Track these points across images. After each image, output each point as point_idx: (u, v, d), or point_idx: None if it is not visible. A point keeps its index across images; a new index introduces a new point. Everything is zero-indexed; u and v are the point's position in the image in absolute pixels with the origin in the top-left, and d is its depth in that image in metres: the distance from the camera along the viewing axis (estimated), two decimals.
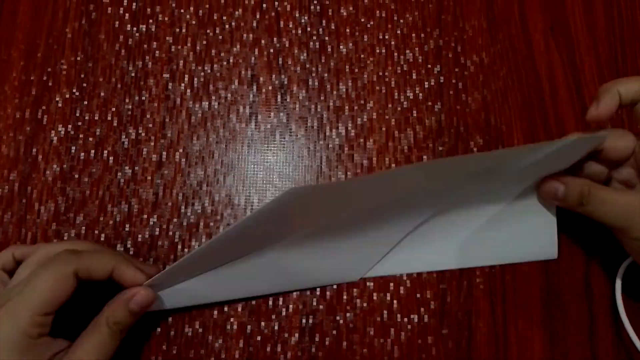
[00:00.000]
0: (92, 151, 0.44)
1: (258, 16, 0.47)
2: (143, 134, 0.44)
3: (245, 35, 0.47)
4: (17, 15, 0.47)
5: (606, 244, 0.43)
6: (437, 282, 0.42)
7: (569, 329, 0.41)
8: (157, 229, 0.42)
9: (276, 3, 0.47)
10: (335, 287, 0.42)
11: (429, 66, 0.46)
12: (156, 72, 0.46)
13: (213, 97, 0.45)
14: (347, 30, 0.47)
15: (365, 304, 0.41)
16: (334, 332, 0.41)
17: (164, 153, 0.44)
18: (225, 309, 0.41)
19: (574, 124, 0.45)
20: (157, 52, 0.46)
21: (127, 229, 0.42)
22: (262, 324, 0.41)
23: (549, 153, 0.35)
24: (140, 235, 0.42)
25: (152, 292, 0.36)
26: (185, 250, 0.42)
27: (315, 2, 0.47)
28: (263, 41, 0.47)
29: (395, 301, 0.41)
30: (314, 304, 0.41)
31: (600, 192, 0.35)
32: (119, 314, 0.35)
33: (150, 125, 0.45)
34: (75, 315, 0.35)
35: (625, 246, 0.37)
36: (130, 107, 0.45)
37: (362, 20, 0.47)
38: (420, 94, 0.46)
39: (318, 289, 0.41)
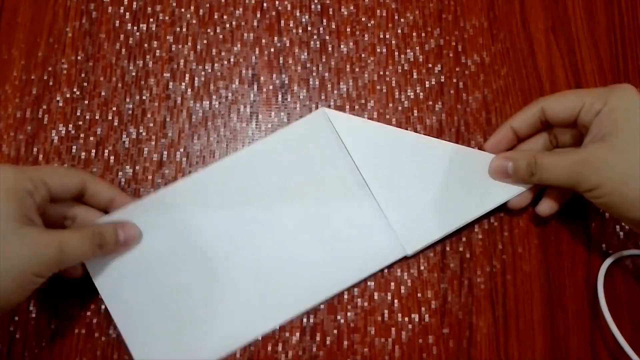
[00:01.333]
0: (93, 151, 0.44)
1: (259, 15, 0.47)
2: (144, 134, 0.44)
3: (246, 34, 0.47)
4: (17, 14, 0.47)
5: (607, 243, 0.43)
6: (438, 281, 0.42)
7: (569, 328, 0.41)
8: None
9: (277, 2, 0.47)
10: None
11: (430, 65, 0.46)
12: (157, 72, 0.46)
13: (214, 97, 0.45)
14: (348, 29, 0.47)
15: (366, 304, 0.41)
16: (335, 331, 0.41)
17: (165, 152, 0.44)
18: None
19: None
20: (157, 51, 0.46)
21: None
22: None
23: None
24: None
25: (139, 230, 0.39)
26: None
27: (316, 1, 0.47)
28: (264, 40, 0.47)
29: (396, 300, 0.41)
30: None
31: (545, 158, 0.38)
32: (106, 230, 0.37)
33: (151, 125, 0.45)
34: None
35: (593, 203, 0.38)
36: (131, 106, 0.45)
37: (363, 19, 0.47)
38: (421, 93, 0.46)
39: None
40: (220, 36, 0.47)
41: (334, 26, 0.47)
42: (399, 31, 0.47)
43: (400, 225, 0.41)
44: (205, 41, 0.47)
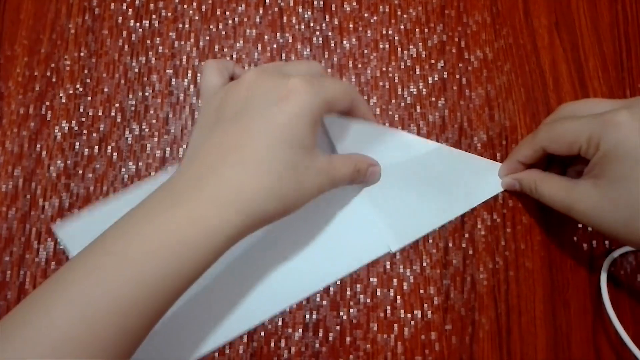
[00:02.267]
0: (96, 147, 0.44)
1: (261, 11, 0.47)
2: (147, 130, 0.44)
3: (248, 30, 0.47)
4: (20, 11, 0.47)
5: (609, 240, 0.43)
6: (441, 277, 0.42)
7: (572, 324, 0.41)
8: None
9: None
10: (338, 282, 0.42)
11: (433, 61, 0.46)
12: (159, 68, 0.46)
13: None
14: (351, 25, 0.47)
15: (368, 300, 0.41)
16: (338, 327, 0.41)
17: (168, 149, 0.44)
18: None
19: None
20: (160, 47, 0.46)
21: None
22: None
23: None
24: None
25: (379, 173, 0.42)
26: None
27: None
28: (266, 36, 0.47)
29: (398, 297, 0.42)
30: (318, 299, 0.41)
31: (544, 186, 0.40)
32: (362, 166, 0.40)
33: (154, 121, 0.45)
34: None
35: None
36: (133, 102, 0.45)
37: (366, 15, 0.47)
38: (424, 90, 0.46)
39: None
40: (223, 32, 0.47)
41: (336, 22, 0.47)
42: (402, 27, 0.47)
43: (386, 222, 0.41)
44: (207, 37, 0.46)
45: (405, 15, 0.47)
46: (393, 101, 0.45)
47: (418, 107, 0.45)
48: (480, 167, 0.43)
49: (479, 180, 0.43)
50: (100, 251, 0.30)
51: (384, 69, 0.46)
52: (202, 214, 0.31)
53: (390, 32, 0.47)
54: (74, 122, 0.44)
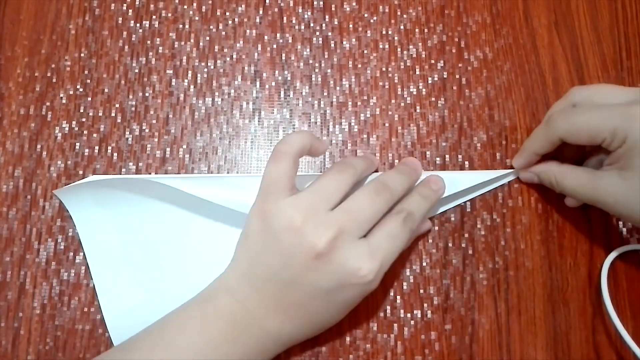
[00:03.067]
0: (97, 147, 0.44)
1: (261, 12, 0.47)
2: (147, 130, 0.44)
3: (248, 31, 0.47)
4: (20, 11, 0.47)
5: (610, 238, 0.43)
6: (440, 277, 0.42)
7: (572, 324, 0.41)
8: None
9: None
10: None
11: (433, 61, 0.46)
12: (160, 69, 0.46)
13: (216, 93, 0.45)
14: (350, 25, 0.47)
15: (368, 299, 0.41)
16: (337, 327, 0.41)
17: (168, 149, 0.44)
18: None
19: None
20: (160, 48, 0.46)
21: None
22: None
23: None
24: None
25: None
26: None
27: None
28: (266, 37, 0.47)
29: (398, 297, 0.42)
30: None
31: (565, 178, 0.40)
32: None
33: (154, 122, 0.45)
34: None
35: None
36: (133, 103, 0.45)
37: (365, 15, 0.47)
38: (424, 90, 0.46)
39: None
40: (223, 33, 0.47)
41: (336, 22, 0.47)
42: (402, 27, 0.47)
43: None
44: (207, 38, 0.47)
45: (405, 16, 0.47)
46: (393, 101, 0.45)
47: (418, 107, 0.45)
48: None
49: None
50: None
51: (383, 69, 0.46)
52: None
53: (390, 32, 0.47)
54: (74, 122, 0.45)
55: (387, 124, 0.45)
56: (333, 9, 0.47)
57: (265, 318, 0.35)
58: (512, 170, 0.43)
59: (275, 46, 0.47)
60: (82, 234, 0.42)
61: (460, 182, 0.42)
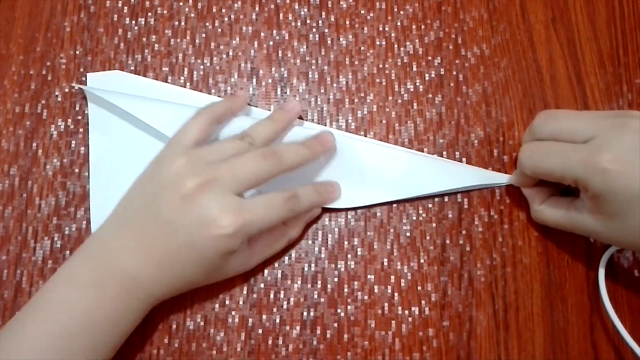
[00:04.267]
0: None
1: (257, 8, 0.47)
2: None
3: (244, 27, 0.47)
4: (15, 9, 0.46)
5: None
6: (438, 274, 0.42)
7: (569, 320, 0.41)
8: None
9: None
10: (336, 280, 0.42)
11: (430, 58, 0.46)
12: (155, 66, 0.46)
13: (213, 91, 0.45)
14: (347, 22, 0.47)
15: (366, 297, 0.41)
16: (335, 324, 0.41)
17: None
18: (227, 302, 0.41)
19: None
20: (156, 45, 0.46)
21: None
22: (264, 317, 0.41)
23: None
24: None
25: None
26: None
27: None
28: (262, 34, 0.47)
29: (396, 294, 0.42)
30: (315, 296, 0.41)
31: (546, 211, 0.41)
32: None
33: None
34: None
35: None
36: None
37: (362, 12, 0.47)
38: (421, 86, 0.46)
39: (319, 282, 0.42)
40: (219, 30, 0.47)
41: (332, 19, 0.47)
42: (399, 24, 0.47)
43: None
44: (203, 35, 0.46)
45: (401, 12, 0.47)
46: (390, 98, 0.45)
47: (415, 104, 0.45)
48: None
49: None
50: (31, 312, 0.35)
51: (380, 65, 0.46)
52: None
53: (387, 29, 0.47)
54: (69, 120, 0.44)
55: (384, 121, 0.45)
56: (329, 5, 0.47)
57: (126, 258, 0.35)
58: (507, 175, 0.43)
59: (271, 43, 0.46)
60: (92, 131, 0.44)
61: (452, 181, 0.42)
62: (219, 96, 0.45)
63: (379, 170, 0.42)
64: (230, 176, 0.36)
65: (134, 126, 0.43)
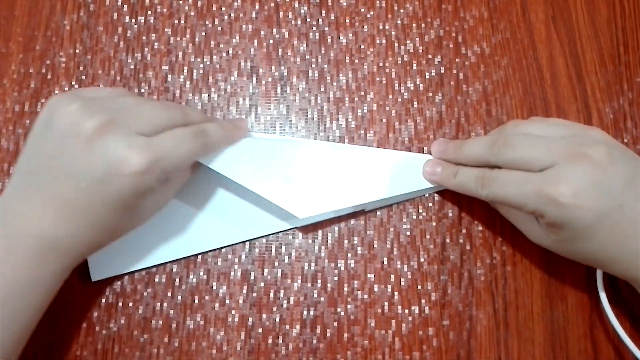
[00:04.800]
0: None
1: (257, 7, 0.47)
2: None
3: (244, 26, 0.47)
4: (15, 7, 0.46)
5: None
6: (438, 273, 0.42)
7: (569, 319, 0.41)
8: None
9: None
10: (336, 279, 0.42)
11: (430, 56, 0.46)
12: (155, 64, 0.46)
13: (212, 89, 0.45)
14: (347, 20, 0.47)
15: (366, 296, 0.41)
16: (335, 324, 0.41)
17: None
18: (227, 301, 0.41)
19: (574, 114, 0.45)
20: (156, 44, 0.46)
21: None
22: (264, 316, 0.41)
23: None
24: None
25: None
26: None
27: None
28: (262, 32, 0.46)
29: (396, 293, 0.42)
30: (315, 296, 0.41)
31: (510, 216, 0.40)
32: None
33: None
34: None
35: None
36: None
37: (362, 10, 0.47)
38: (421, 85, 0.45)
39: (319, 281, 0.42)
40: (219, 28, 0.46)
41: (333, 17, 0.47)
42: (399, 22, 0.47)
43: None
44: (203, 33, 0.46)
45: (402, 10, 0.47)
46: (390, 97, 0.45)
47: (415, 103, 0.45)
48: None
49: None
50: None
51: (380, 64, 0.46)
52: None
53: (387, 27, 0.47)
54: None
55: (384, 120, 0.45)
56: (329, 3, 0.47)
57: (38, 221, 0.33)
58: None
59: (271, 41, 0.46)
60: None
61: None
62: (217, 95, 0.45)
63: (353, 173, 0.42)
64: (133, 116, 0.34)
65: None
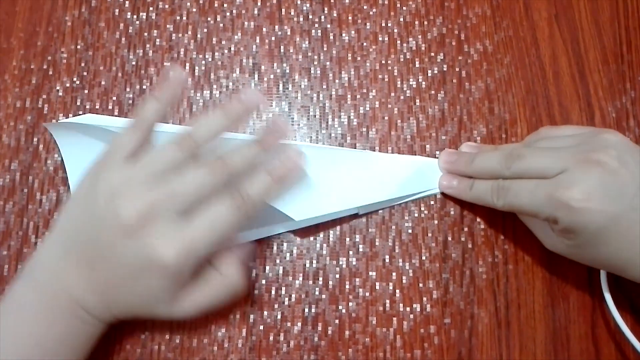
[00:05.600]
0: None
1: (259, 4, 0.47)
2: None
3: (246, 23, 0.46)
4: (16, 3, 0.46)
5: None
6: (440, 271, 0.42)
7: (571, 318, 0.41)
8: None
9: None
10: (337, 276, 0.42)
11: (432, 54, 0.46)
12: (157, 61, 0.45)
13: (214, 86, 0.45)
14: (350, 17, 0.47)
15: (367, 294, 0.41)
16: (337, 321, 0.41)
17: None
18: None
19: (577, 112, 0.45)
20: (157, 40, 0.46)
21: None
22: (265, 313, 0.41)
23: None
24: None
25: None
26: None
27: None
28: (264, 29, 0.46)
29: (397, 290, 0.41)
30: (317, 293, 0.41)
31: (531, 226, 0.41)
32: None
33: None
34: None
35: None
36: (131, 96, 0.45)
37: (365, 7, 0.47)
38: (423, 83, 0.45)
39: (321, 279, 0.41)
40: (221, 25, 0.46)
41: (335, 14, 0.47)
42: (401, 19, 0.47)
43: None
44: (205, 30, 0.46)
45: (404, 8, 0.47)
46: (392, 94, 0.45)
47: (417, 101, 0.45)
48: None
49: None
50: None
51: (383, 61, 0.46)
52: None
53: (389, 25, 0.47)
54: (71, 115, 0.44)
55: (386, 117, 0.45)
56: (332, 0, 0.47)
57: (70, 282, 0.34)
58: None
59: (273, 38, 0.46)
60: (67, 162, 0.42)
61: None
62: (219, 92, 0.45)
63: (345, 175, 0.42)
64: (171, 197, 0.33)
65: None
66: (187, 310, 0.36)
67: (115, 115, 0.44)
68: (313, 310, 0.41)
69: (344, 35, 0.46)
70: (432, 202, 0.43)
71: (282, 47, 0.46)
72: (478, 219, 0.43)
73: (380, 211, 0.43)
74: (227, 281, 0.36)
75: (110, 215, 0.33)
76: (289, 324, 0.41)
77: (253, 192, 0.35)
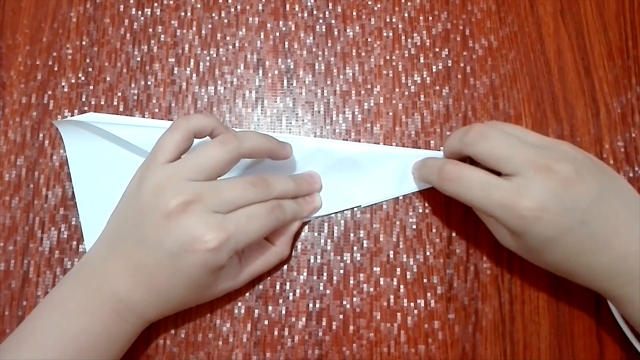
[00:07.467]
0: None
1: None
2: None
3: (250, 18, 0.46)
4: None
5: None
6: (444, 267, 0.42)
7: (575, 314, 0.41)
8: None
9: None
10: (342, 272, 0.42)
11: (437, 50, 0.46)
12: (162, 57, 0.45)
13: (219, 82, 0.45)
14: (354, 13, 0.47)
15: (372, 289, 0.41)
16: (341, 316, 0.41)
17: None
18: (233, 292, 0.41)
19: (582, 108, 0.45)
20: (162, 36, 0.46)
21: None
22: (270, 308, 0.41)
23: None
24: None
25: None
26: None
27: None
28: (269, 25, 0.46)
29: (401, 286, 0.42)
30: (321, 288, 0.41)
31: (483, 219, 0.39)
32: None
33: (157, 110, 0.44)
34: None
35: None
36: (136, 91, 0.45)
37: (369, 3, 0.47)
38: (428, 78, 0.45)
39: (325, 274, 0.42)
40: (225, 20, 0.46)
41: (339, 10, 0.47)
42: (406, 15, 0.47)
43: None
44: (210, 26, 0.46)
45: (409, 3, 0.47)
46: (397, 90, 0.45)
47: (422, 96, 0.45)
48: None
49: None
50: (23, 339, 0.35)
51: (387, 57, 0.46)
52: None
53: (394, 20, 0.46)
54: (76, 111, 0.44)
55: (390, 113, 0.45)
56: None
57: (116, 283, 0.35)
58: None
59: (278, 34, 0.46)
60: (71, 160, 0.43)
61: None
62: (224, 88, 0.45)
63: (361, 171, 0.43)
64: (215, 196, 0.35)
65: (111, 142, 0.43)
66: (239, 282, 0.39)
67: (120, 111, 0.44)
68: (317, 305, 0.41)
69: (348, 30, 0.46)
70: (436, 197, 0.43)
71: (286, 42, 0.46)
72: None
73: (385, 206, 0.43)
74: (279, 251, 0.40)
75: (154, 205, 0.35)
76: (293, 319, 0.41)
77: (285, 204, 0.39)
